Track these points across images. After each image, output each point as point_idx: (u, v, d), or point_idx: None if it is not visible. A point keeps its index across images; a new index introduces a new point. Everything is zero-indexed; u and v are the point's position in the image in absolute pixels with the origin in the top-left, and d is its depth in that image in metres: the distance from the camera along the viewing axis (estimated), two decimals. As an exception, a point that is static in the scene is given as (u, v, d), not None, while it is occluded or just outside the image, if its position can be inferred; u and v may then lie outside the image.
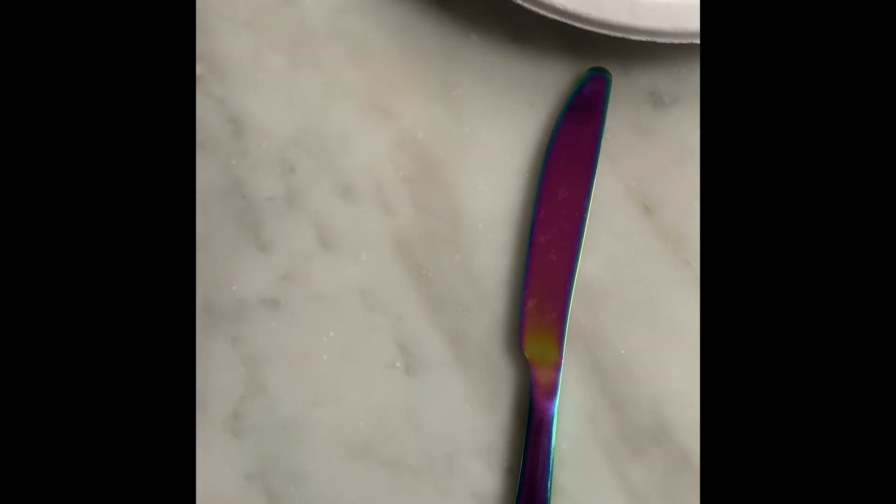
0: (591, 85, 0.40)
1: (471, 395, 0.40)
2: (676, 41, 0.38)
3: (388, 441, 0.40)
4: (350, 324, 0.40)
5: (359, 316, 0.40)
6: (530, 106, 0.41)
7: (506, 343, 0.40)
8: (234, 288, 0.41)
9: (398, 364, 0.40)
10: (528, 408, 0.39)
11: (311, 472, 0.40)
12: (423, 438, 0.40)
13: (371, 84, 0.41)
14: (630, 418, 0.40)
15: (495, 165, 0.41)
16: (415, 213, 0.41)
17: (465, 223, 0.41)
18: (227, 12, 0.42)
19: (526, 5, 0.38)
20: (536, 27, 0.41)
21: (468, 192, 0.41)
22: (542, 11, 0.38)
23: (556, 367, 0.39)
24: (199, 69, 0.41)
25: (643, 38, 0.38)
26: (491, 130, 0.41)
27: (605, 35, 0.38)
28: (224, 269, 0.41)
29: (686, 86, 0.41)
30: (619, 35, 0.38)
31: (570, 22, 0.38)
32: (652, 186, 0.41)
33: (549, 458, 0.38)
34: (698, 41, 0.37)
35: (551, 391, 0.39)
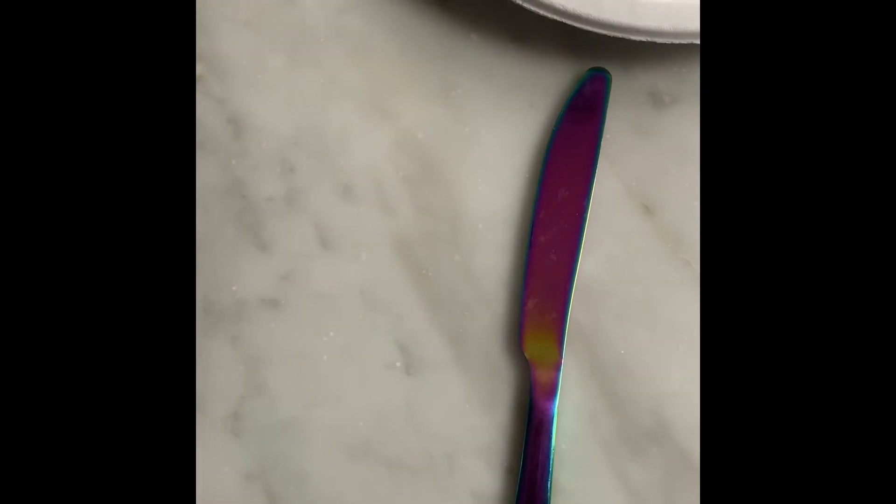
0: (591, 85, 0.40)
1: (471, 395, 0.40)
2: (676, 41, 0.38)
3: (388, 441, 0.40)
4: (350, 324, 0.40)
5: (359, 316, 0.40)
6: (530, 106, 0.41)
7: (506, 343, 0.40)
8: (234, 288, 0.41)
9: (398, 364, 0.40)
10: (528, 408, 0.39)
11: (311, 472, 0.40)
12: (423, 438, 0.40)
13: (371, 84, 0.41)
14: (630, 418, 0.40)
15: (495, 165, 0.41)
16: (415, 213, 0.41)
17: (465, 223, 0.41)
18: (227, 12, 0.42)
19: (526, 5, 0.38)
20: (536, 27, 0.41)
21: (468, 192, 0.41)
22: (542, 11, 0.38)
23: (556, 367, 0.39)
24: (199, 69, 0.41)
25: (643, 38, 0.38)
26: (491, 130, 0.41)
27: (605, 35, 0.38)
28: (224, 269, 0.41)
29: (686, 86, 0.41)
30: (619, 35, 0.38)
31: (570, 22, 0.38)
32: (652, 186, 0.41)
33: (549, 458, 0.38)
34: (698, 41, 0.37)
35: (551, 391, 0.39)
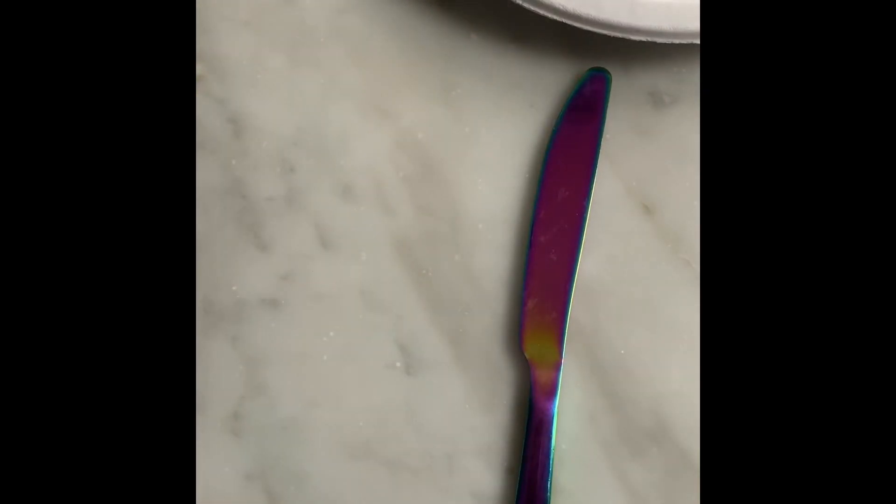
0: (591, 85, 0.40)
1: (471, 395, 0.40)
2: (676, 41, 0.38)
3: (388, 441, 0.40)
4: (350, 324, 0.40)
5: (359, 316, 0.40)
6: (530, 106, 0.41)
7: (506, 343, 0.40)
8: (234, 288, 0.41)
9: (398, 364, 0.40)
10: (528, 408, 0.39)
11: (311, 472, 0.40)
12: (423, 438, 0.40)
13: (371, 84, 0.41)
14: (630, 418, 0.40)
15: (495, 165, 0.41)
16: (415, 213, 0.41)
17: (465, 223, 0.41)
18: (227, 12, 0.42)
19: (526, 5, 0.38)
20: (536, 27, 0.41)
21: (468, 192, 0.41)
22: (542, 11, 0.38)
23: (556, 367, 0.39)
24: (199, 69, 0.41)
25: (643, 38, 0.38)
26: (491, 130, 0.41)
27: (605, 35, 0.38)
28: (224, 269, 0.41)
29: (686, 86, 0.41)
30: (619, 35, 0.38)
31: (570, 22, 0.38)
32: (652, 186, 0.41)
33: (549, 458, 0.38)
34: (698, 41, 0.37)
35: (551, 391, 0.39)
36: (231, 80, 0.41)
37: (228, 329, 0.40)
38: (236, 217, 0.41)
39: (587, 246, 0.40)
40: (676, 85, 0.41)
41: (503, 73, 0.41)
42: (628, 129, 0.41)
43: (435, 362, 0.40)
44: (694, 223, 0.40)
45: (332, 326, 0.40)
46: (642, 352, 0.40)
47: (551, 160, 0.40)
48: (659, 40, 0.38)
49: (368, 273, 0.41)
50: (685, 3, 0.37)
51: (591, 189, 0.40)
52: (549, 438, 0.38)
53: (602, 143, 0.40)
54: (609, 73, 0.40)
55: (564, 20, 0.38)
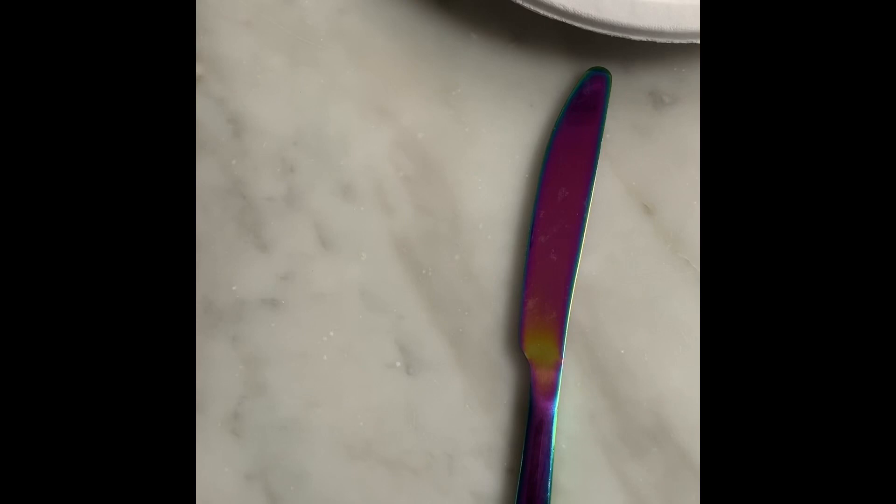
0: (591, 85, 0.40)
1: (471, 395, 0.40)
2: (676, 41, 0.38)
3: (388, 441, 0.40)
4: (350, 324, 0.40)
5: (359, 316, 0.40)
6: (530, 106, 0.41)
7: (506, 343, 0.40)
8: (234, 288, 0.41)
9: (398, 364, 0.40)
10: (528, 408, 0.39)
11: (311, 472, 0.40)
12: (423, 438, 0.40)
13: (371, 84, 0.41)
14: (630, 418, 0.40)
15: (495, 165, 0.41)
16: (415, 213, 0.41)
17: (465, 223, 0.41)
18: (227, 12, 0.42)
19: (526, 5, 0.38)
20: (536, 27, 0.41)
21: (468, 192, 0.41)
22: (542, 11, 0.38)
23: (556, 367, 0.39)
24: (199, 69, 0.41)
25: (643, 38, 0.38)
26: (491, 130, 0.41)
27: (605, 35, 0.38)
28: (224, 269, 0.41)
29: (686, 86, 0.41)
30: (619, 35, 0.38)
31: (570, 22, 0.38)
32: (652, 186, 0.41)
33: (549, 458, 0.38)
34: (698, 41, 0.37)
35: (551, 391, 0.39)
36: (231, 80, 0.41)
37: (228, 329, 0.40)
38: (236, 217, 0.41)
39: (587, 246, 0.40)
40: (676, 85, 0.41)
41: (503, 73, 0.41)
42: (628, 129, 0.41)
43: (435, 362, 0.40)
44: (694, 223, 0.40)
45: (332, 326, 0.40)
46: (642, 352, 0.40)
47: (551, 160, 0.40)
48: (659, 40, 0.38)
49: (368, 273, 0.41)
50: (685, 3, 0.37)
51: (591, 189, 0.40)
52: (549, 438, 0.38)
53: (602, 143, 0.40)
54: (609, 73, 0.40)
55: (564, 20, 0.38)
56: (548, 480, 0.38)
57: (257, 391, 0.40)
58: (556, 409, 0.38)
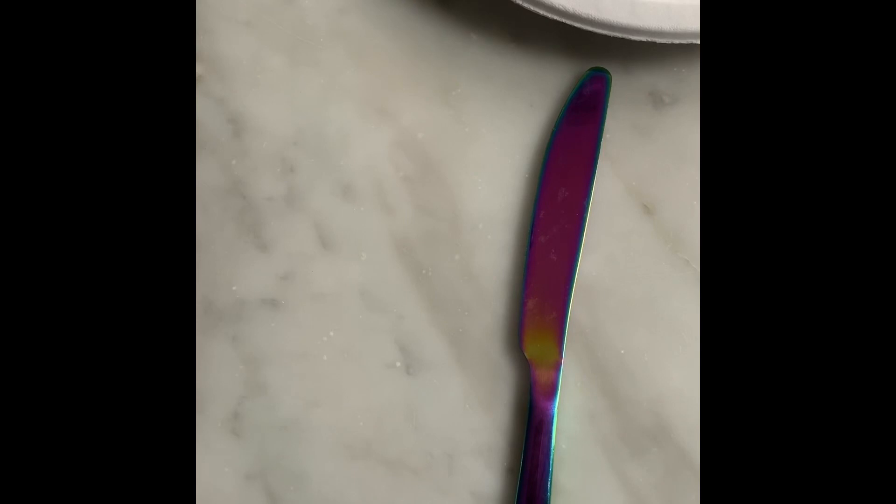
0: (591, 85, 0.40)
1: (471, 395, 0.40)
2: (676, 41, 0.38)
3: (388, 441, 0.40)
4: (350, 324, 0.40)
5: (359, 316, 0.40)
6: (530, 106, 0.41)
7: (506, 343, 0.40)
8: (234, 288, 0.41)
9: (398, 364, 0.40)
10: (528, 408, 0.39)
11: (311, 472, 0.40)
12: (423, 438, 0.40)
13: (371, 84, 0.41)
14: (630, 418, 0.40)
15: (495, 165, 0.41)
16: (415, 213, 0.41)
17: (465, 223, 0.41)
18: (227, 12, 0.42)
19: (526, 5, 0.38)
20: (536, 27, 0.41)
21: (468, 192, 0.41)
22: (542, 11, 0.38)
23: (556, 367, 0.39)
24: (199, 69, 0.41)
25: (643, 38, 0.38)
26: (491, 130, 0.41)
27: (605, 35, 0.38)
28: (224, 269, 0.41)
29: (686, 86, 0.41)
30: (619, 35, 0.38)
31: (570, 22, 0.38)
32: (652, 186, 0.41)
33: (549, 458, 0.38)
34: (698, 41, 0.37)
35: (551, 391, 0.39)
36: (231, 80, 0.41)
37: (228, 329, 0.40)
38: (236, 217, 0.41)
39: (587, 246, 0.40)
40: (676, 85, 0.41)
41: (503, 73, 0.41)
42: (628, 129, 0.41)
43: (435, 362, 0.40)
44: (694, 223, 0.40)
45: (332, 326, 0.40)
46: (642, 352, 0.40)
47: (551, 160, 0.40)
48: (659, 40, 0.38)
49: (368, 273, 0.41)
50: (685, 3, 0.37)
51: (591, 189, 0.40)
52: (549, 438, 0.38)
53: (602, 143, 0.40)
54: (609, 73, 0.40)
55: (564, 20, 0.38)
56: (548, 480, 0.38)
57: (257, 391, 0.40)
58: (556, 409, 0.38)
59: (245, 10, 0.42)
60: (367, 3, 0.42)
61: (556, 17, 0.38)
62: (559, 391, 0.39)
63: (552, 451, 0.38)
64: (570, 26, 0.38)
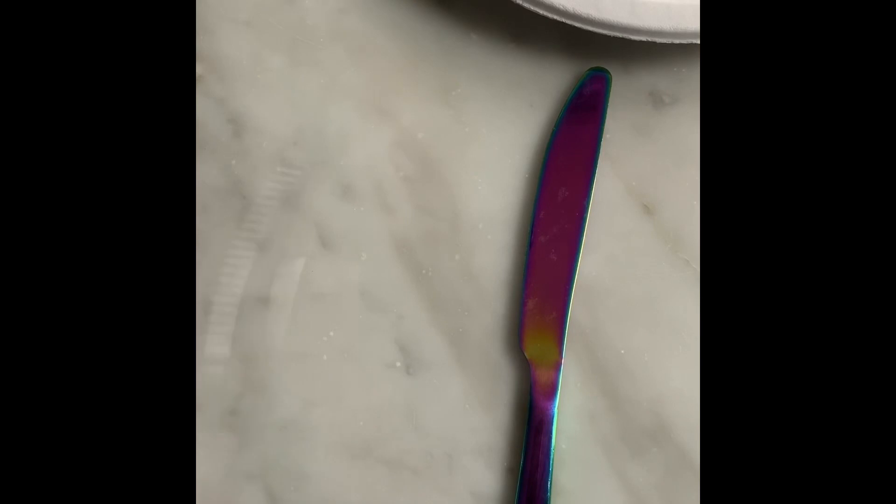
0: (591, 85, 0.40)
1: (471, 395, 0.40)
2: (676, 41, 0.38)
3: (388, 441, 0.40)
4: (350, 324, 0.40)
5: (359, 316, 0.40)
6: (530, 106, 0.41)
7: (506, 343, 0.40)
8: (234, 288, 0.41)
9: (398, 364, 0.40)
10: (528, 408, 0.39)
11: (311, 472, 0.40)
12: (423, 438, 0.40)
13: (371, 84, 0.41)
14: (630, 418, 0.40)
15: (495, 165, 0.41)
16: (415, 213, 0.41)
17: (465, 223, 0.41)
18: (227, 12, 0.42)
19: (526, 5, 0.38)
20: (536, 27, 0.41)
21: (468, 191, 0.41)
22: (542, 11, 0.38)
23: (556, 367, 0.39)
24: (199, 69, 0.41)
25: (643, 38, 0.38)
26: (491, 130, 0.41)
27: (605, 35, 0.38)
28: (224, 269, 0.41)
29: (686, 86, 0.41)
30: (619, 35, 0.38)
31: (570, 22, 0.38)
32: (652, 186, 0.41)
33: (549, 458, 0.38)
34: (698, 41, 0.37)
35: (551, 391, 0.39)
36: (231, 80, 0.41)
37: (228, 329, 0.40)
38: (236, 217, 0.41)
39: (587, 246, 0.40)
40: (676, 85, 0.41)
41: (503, 73, 0.41)
42: (628, 129, 0.41)
43: (435, 362, 0.40)
44: (694, 223, 0.40)
45: (332, 326, 0.40)
46: (642, 352, 0.40)
47: (551, 160, 0.40)
48: (659, 40, 0.38)
49: (368, 273, 0.41)
50: (685, 3, 0.37)
51: (591, 189, 0.40)
52: (549, 438, 0.38)
53: (602, 143, 0.40)
54: (609, 73, 0.40)
55: (564, 20, 0.38)
56: (548, 480, 0.38)
57: (257, 391, 0.40)
58: (556, 409, 0.38)
59: (245, 10, 0.42)
60: (367, 3, 0.42)
61: (556, 17, 0.38)
62: (559, 391, 0.39)
63: (552, 451, 0.38)
64: (570, 26, 0.38)
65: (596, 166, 0.40)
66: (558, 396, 0.39)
